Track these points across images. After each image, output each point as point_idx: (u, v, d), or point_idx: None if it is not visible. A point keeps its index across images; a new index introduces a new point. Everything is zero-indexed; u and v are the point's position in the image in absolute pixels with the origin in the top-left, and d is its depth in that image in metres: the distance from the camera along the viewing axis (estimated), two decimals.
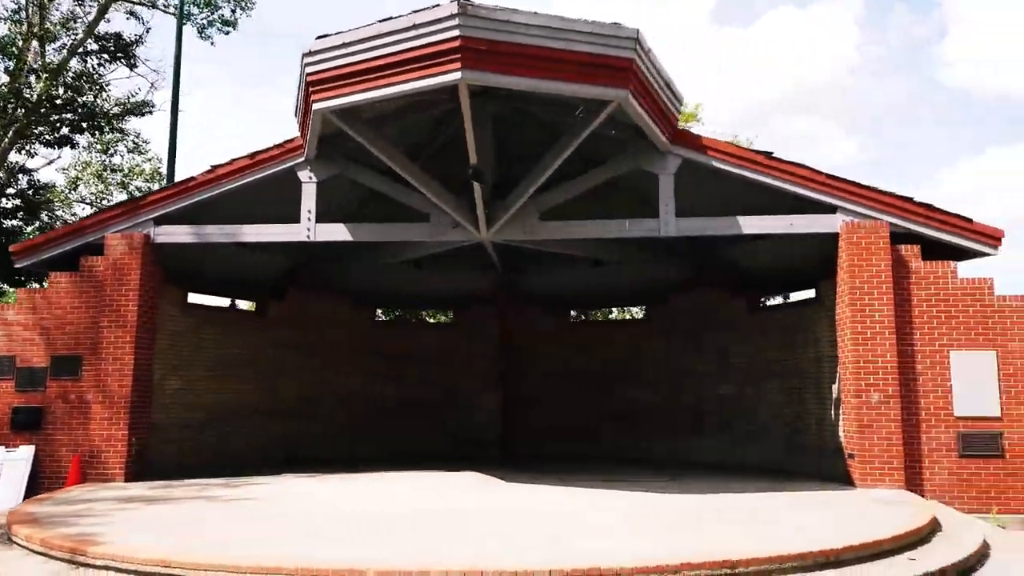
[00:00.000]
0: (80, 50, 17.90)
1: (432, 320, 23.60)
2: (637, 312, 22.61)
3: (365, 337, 15.57)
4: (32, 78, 16.49)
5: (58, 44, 17.70)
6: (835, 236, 10.45)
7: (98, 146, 23.41)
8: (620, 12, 77.04)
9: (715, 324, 13.88)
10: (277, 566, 5.42)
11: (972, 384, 9.85)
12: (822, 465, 11.13)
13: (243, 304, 15.09)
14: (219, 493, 9.42)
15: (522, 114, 11.47)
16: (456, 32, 8.15)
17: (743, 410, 13.30)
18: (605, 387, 15.36)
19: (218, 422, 12.79)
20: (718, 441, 13.60)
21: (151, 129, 63.74)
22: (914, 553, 6.48)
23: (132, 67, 19.21)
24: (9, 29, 17.11)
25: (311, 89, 9.16)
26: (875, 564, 6.03)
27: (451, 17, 8.01)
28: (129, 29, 59.64)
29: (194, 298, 12.77)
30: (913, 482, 9.69)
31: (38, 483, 10.51)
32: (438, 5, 8.10)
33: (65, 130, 18.11)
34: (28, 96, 16.22)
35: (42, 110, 16.58)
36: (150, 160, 25.40)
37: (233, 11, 20.52)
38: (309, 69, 9.04)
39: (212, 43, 21.73)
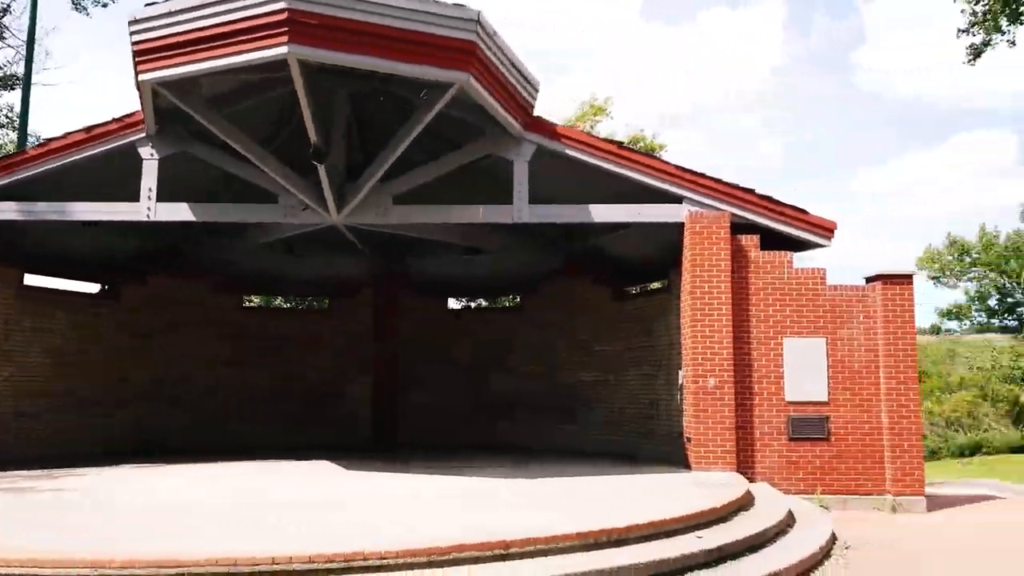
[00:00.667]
0: None
1: (306, 306, 23.07)
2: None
3: (235, 323, 15.06)
4: None
5: None
6: (681, 226, 10.67)
7: None
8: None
9: (582, 312, 14.02)
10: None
11: (803, 370, 10.23)
12: (672, 450, 11.37)
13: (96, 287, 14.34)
14: (32, 484, 8.89)
15: (381, 95, 11.24)
16: (283, 4, 7.91)
17: (605, 397, 13.49)
18: (482, 375, 15.34)
19: (58, 411, 12.12)
20: (582, 427, 13.76)
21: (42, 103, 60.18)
22: (704, 532, 6.64)
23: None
24: None
25: (137, 59, 8.74)
26: (659, 543, 6.14)
27: None
28: None
29: (48, 282, 12.11)
30: (746, 465, 10.01)
31: None
32: None
33: None
34: None
35: None
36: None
37: None
38: (135, 38, 8.61)
39: (88, 15, 20.66)
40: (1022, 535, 8.88)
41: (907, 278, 10.38)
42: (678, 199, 10.64)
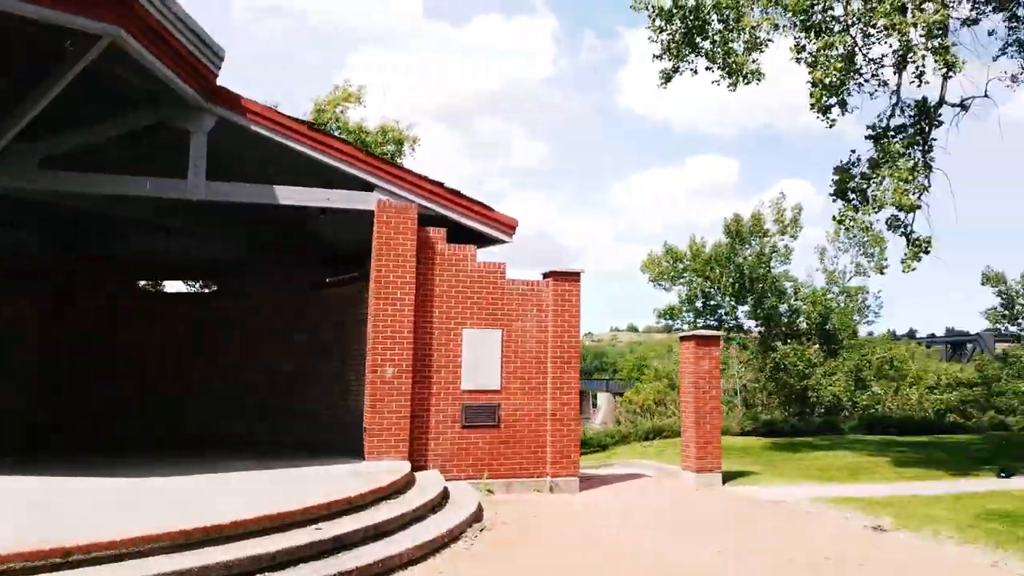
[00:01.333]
0: None
1: None
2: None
3: None
4: None
5: None
6: (372, 214, 10.57)
7: None
8: None
9: (283, 300, 13.47)
10: None
11: (480, 360, 10.63)
12: (356, 440, 11.24)
13: None
14: None
15: (29, 42, 9.80)
16: None
17: (301, 388, 13.07)
18: (182, 365, 14.13)
19: None
20: (277, 420, 13.19)
21: None
22: (334, 521, 6.57)
23: None
24: None
25: None
26: (278, 536, 5.94)
27: None
28: None
29: None
30: (419, 453, 10.17)
31: None
32: None
33: None
34: None
35: None
36: None
37: None
38: None
39: None
40: (626, 504, 10.00)
41: (575, 275, 11.19)
42: (370, 187, 10.52)
